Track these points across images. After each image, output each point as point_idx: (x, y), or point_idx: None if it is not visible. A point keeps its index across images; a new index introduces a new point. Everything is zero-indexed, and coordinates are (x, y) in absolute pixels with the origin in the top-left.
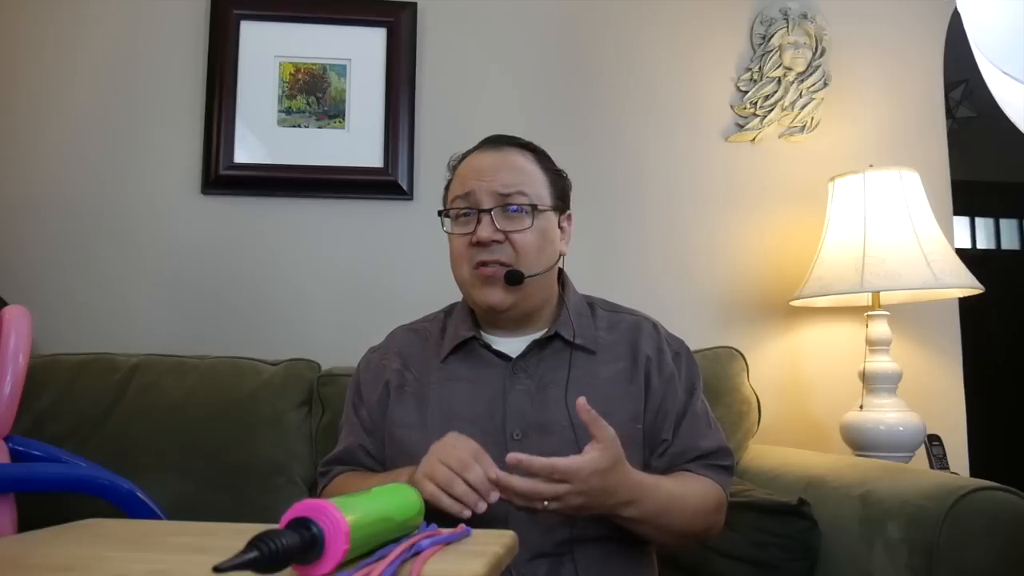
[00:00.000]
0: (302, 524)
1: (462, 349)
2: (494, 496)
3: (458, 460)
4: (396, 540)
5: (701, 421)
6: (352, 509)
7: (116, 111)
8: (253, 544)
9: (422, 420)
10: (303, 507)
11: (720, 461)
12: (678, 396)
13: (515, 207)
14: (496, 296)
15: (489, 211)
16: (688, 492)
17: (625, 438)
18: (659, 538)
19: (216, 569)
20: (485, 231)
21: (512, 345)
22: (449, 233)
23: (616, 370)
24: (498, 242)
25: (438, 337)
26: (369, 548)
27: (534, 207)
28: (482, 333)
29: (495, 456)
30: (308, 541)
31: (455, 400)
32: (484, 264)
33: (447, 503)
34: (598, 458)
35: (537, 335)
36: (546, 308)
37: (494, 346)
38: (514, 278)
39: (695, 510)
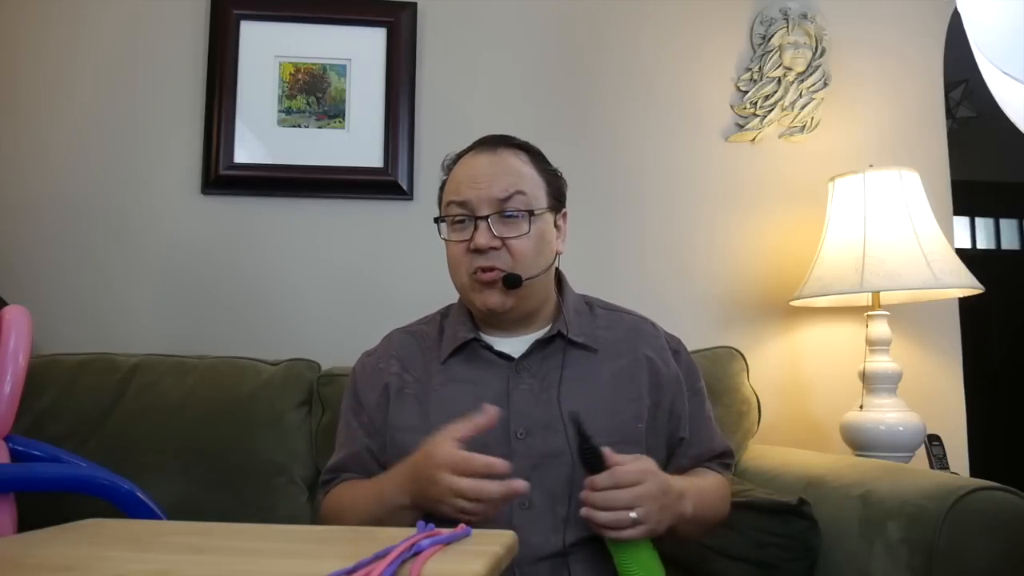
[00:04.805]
0: None
1: (463, 351)
2: (520, 484)
3: (472, 488)
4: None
5: (710, 422)
6: None
7: (116, 111)
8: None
9: (425, 422)
10: None
11: (727, 460)
12: (685, 395)
13: (512, 212)
14: (495, 299)
15: (486, 218)
16: (707, 484)
17: (628, 437)
18: (699, 534)
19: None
20: (482, 238)
21: (513, 345)
22: (446, 240)
23: (618, 368)
24: (495, 248)
25: (436, 339)
26: None
27: (531, 212)
28: (482, 335)
29: (499, 455)
30: None
31: (458, 401)
32: (482, 269)
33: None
34: (642, 456)
35: (539, 334)
36: (546, 307)
37: (496, 347)
38: (512, 281)
39: (721, 496)
